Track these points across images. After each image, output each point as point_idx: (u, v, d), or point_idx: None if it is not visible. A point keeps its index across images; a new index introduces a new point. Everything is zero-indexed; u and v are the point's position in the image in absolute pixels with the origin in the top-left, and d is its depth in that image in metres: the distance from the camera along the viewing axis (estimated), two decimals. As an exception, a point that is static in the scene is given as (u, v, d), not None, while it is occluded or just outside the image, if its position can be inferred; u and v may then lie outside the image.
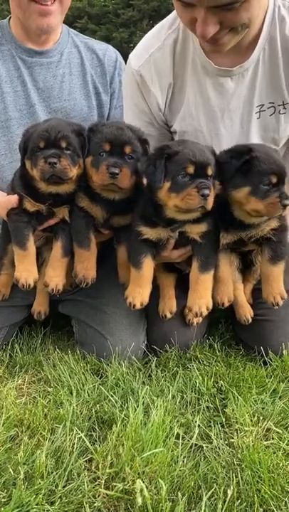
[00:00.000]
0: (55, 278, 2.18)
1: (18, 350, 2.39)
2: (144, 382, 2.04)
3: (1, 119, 2.48)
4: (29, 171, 2.09)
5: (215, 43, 1.95)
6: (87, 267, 2.17)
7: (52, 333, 2.62)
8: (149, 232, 2.09)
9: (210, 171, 1.93)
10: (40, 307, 2.41)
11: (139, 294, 2.09)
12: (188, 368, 2.18)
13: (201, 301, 2.10)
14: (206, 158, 1.93)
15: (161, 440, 1.62)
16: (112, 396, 1.91)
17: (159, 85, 2.27)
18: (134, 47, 2.42)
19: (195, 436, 1.70)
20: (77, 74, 2.59)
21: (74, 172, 2.05)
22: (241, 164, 1.97)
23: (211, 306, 2.12)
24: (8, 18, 2.56)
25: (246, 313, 2.31)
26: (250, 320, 2.30)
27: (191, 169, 1.90)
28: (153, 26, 2.40)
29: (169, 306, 2.33)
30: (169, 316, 2.32)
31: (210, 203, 1.91)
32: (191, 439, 1.69)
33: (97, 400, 1.93)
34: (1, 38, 2.52)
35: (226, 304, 2.19)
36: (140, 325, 2.37)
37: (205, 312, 2.10)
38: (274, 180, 1.94)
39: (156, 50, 2.24)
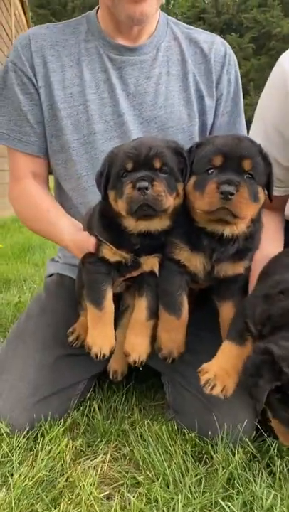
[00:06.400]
0: (138, 347, 1.74)
1: (96, 408, 1.96)
2: (269, 485, 1.51)
3: (84, 132, 2.04)
4: (112, 204, 1.64)
5: None
6: (174, 339, 1.71)
7: (135, 387, 2.14)
8: None
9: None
10: (117, 366, 1.93)
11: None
12: None
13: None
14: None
15: None
16: (226, 504, 1.41)
17: None
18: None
19: None
20: (176, 74, 2.09)
21: (170, 202, 1.58)
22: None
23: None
24: (96, 8, 2.12)
25: None
26: None
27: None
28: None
29: None
30: None
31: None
32: None
33: (205, 503, 1.43)
34: (88, 33, 2.07)
35: None
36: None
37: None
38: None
39: None
